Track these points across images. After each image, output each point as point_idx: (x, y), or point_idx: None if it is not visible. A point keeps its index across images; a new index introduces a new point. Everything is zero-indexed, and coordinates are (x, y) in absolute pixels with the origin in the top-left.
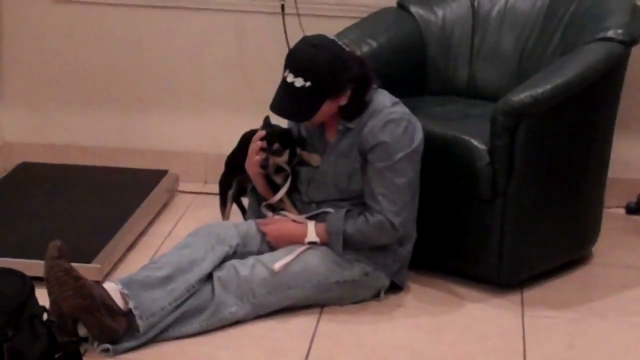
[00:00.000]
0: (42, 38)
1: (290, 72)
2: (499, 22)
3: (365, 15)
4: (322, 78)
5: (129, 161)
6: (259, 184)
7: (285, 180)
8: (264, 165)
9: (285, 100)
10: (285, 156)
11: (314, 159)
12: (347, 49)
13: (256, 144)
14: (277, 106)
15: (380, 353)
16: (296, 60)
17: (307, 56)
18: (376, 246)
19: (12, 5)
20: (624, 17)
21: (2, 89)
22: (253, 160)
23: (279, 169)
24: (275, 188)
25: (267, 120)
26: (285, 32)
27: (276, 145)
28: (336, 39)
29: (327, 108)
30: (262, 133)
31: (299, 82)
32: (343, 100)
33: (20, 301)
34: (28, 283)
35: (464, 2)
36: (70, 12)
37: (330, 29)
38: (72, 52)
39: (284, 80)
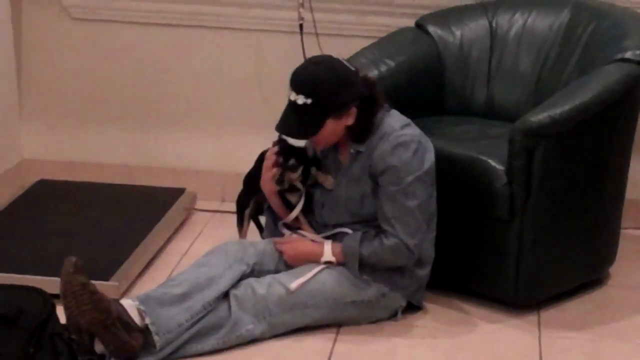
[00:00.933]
0: (61, 56)
1: (293, 90)
2: (517, 43)
3: (383, 35)
4: (323, 94)
5: (147, 179)
6: (274, 202)
7: (300, 199)
8: (279, 181)
9: (289, 118)
10: (299, 173)
11: (328, 180)
12: (352, 69)
13: (271, 159)
14: (282, 125)
15: None
16: (298, 78)
17: (308, 74)
18: (393, 267)
19: (31, 23)
20: None
21: (20, 106)
22: (268, 176)
23: (292, 188)
24: (290, 207)
25: (281, 137)
26: (303, 51)
27: (292, 161)
28: (341, 59)
29: (332, 127)
30: (276, 149)
31: (301, 99)
32: (349, 120)
33: (41, 319)
34: (49, 301)
35: (482, 23)
36: (89, 30)
37: (348, 49)
38: (91, 70)
39: (288, 99)
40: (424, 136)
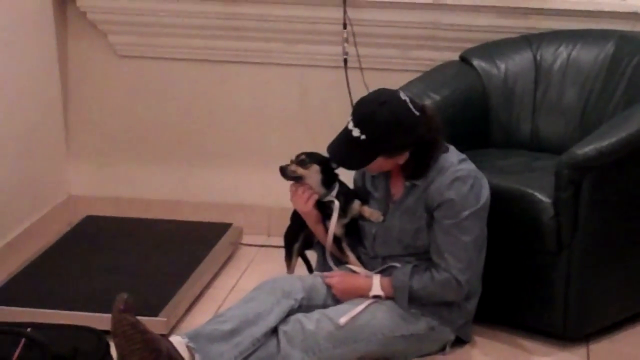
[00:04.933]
0: (108, 92)
1: (352, 119)
2: (562, 75)
3: (428, 68)
4: (377, 135)
5: (193, 214)
6: (316, 231)
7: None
8: (281, 168)
9: (341, 145)
10: (313, 173)
11: (374, 215)
12: (417, 113)
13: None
14: (332, 148)
15: None
16: (360, 111)
17: (370, 110)
18: (442, 301)
19: (78, 60)
20: None
21: (68, 143)
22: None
23: (326, 208)
24: (337, 241)
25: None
26: (348, 86)
27: (302, 157)
28: (408, 100)
29: (382, 163)
30: None
31: (356, 132)
32: (401, 160)
33: (96, 359)
34: (103, 341)
35: (526, 55)
36: (136, 67)
37: (392, 83)
38: (137, 106)
39: (346, 125)
40: (480, 172)
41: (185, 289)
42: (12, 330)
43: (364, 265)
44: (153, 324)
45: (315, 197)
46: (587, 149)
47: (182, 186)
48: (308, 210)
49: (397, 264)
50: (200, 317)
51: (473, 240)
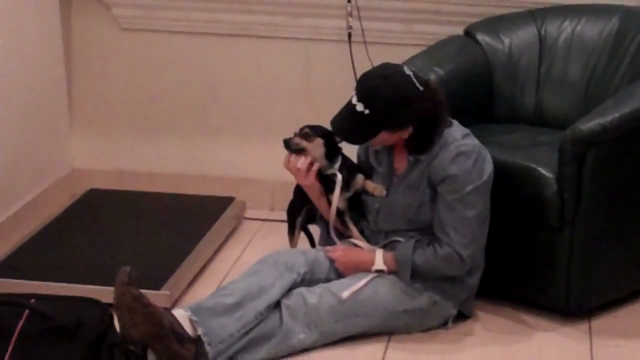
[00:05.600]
0: (111, 66)
1: (356, 94)
2: (566, 50)
3: (432, 43)
4: (381, 110)
5: (196, 188)
6: (319, 205)
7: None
8: (285, 141)
9: (344, 119)
10: (317, 145)
11: (378, 189)
12: (420, 88)
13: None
14: (336, 123)
15: None
16: (364, 85)
17: (373, 84)
18: (444, 276)
19: (80, 33)
20: None
21: (71, 116)
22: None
23: (329, 181)
24: (340, 215)
25: None
26: (352, 60)
27: (305, 129)
28: (412, 75)
29: (386, 137)
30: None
31: (359, 106)
32: (404, 135)
33: (100, 330)
34: (107, 313)
35: (531, 30)
36: (139, 40)
37: (396, 57)
38: (140, 80)
39: (350, 99)
40: (483, 147)
41: (188, 263)
42: (16, 302)
43: (367, 239)
44: (156, 297)
45: (316, 169)
46: (591, 124)
47: (186, 160)
48: (310, 183)
49: (400, 239)
50: (203, 291)
51: (476, 215)
